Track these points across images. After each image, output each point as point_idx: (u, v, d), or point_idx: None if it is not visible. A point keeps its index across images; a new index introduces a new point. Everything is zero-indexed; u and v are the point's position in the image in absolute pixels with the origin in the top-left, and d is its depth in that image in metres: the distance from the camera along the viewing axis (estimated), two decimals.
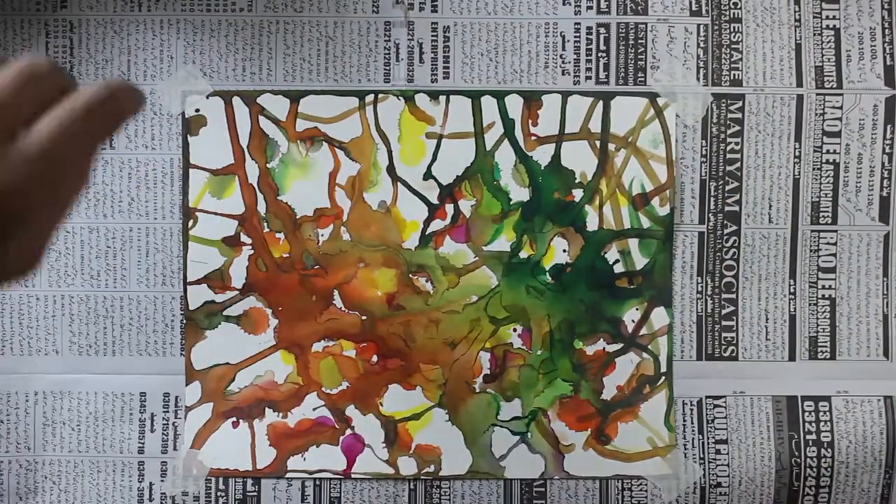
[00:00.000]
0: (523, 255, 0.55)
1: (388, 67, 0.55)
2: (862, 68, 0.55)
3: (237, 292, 0.55)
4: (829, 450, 0.55)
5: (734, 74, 0.55)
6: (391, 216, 0.55)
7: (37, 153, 0.24)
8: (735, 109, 0.55)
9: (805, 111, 0.55)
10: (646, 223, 0.55)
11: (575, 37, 0.55)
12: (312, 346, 0.55)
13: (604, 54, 0.55)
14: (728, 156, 0.55)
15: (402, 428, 0.55)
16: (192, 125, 0.55)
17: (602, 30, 0.55)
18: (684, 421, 0.55)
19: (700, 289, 0.55)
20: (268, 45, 0.55)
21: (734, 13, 0.55)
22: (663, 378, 0.55)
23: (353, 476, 0.55)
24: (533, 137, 0.55)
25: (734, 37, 0.55)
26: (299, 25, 0.55)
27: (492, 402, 0.55)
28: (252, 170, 0.55)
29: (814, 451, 0.55)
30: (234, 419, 0.55)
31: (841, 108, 0.55)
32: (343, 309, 0.55)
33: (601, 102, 0.55)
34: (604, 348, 0.55)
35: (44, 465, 0.55)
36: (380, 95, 0.55)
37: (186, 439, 0.55)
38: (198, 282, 0.55)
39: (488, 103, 0.55)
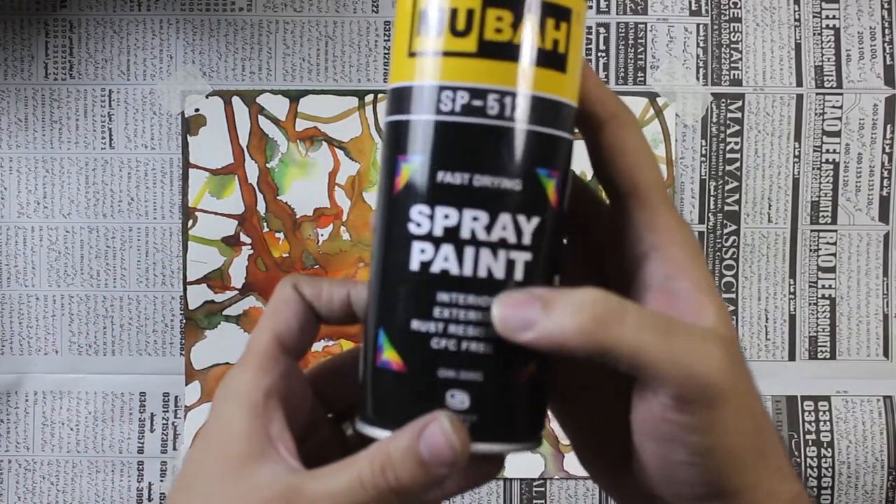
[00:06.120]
0: None
1: (387, 67, 0.55)
2: (862, 68, 0.55)
3: (237, 292, 0.55)
4: (829, 450, 0.55)
5: (734, 74, 0.55)
6: None
7: None
8: (735, 109, 0.55)
9: (805, 111, 0.55)
10: None
11: None
12: (312, 346, 0.55)
13: (603, 54, 0.55)
14: (728, 155, 0.55)
15: None
16: (191, 125, 0.55)
17: (602, 29, 0.55)
18: None
19: None
20: (267, 45, 0.55)
21: (734, 13, 0.55)
22: None
23: None
24: None
25: (734, 36, 0.55)
26: (299, 25, 0.55)
27: None
28: (252, 169, 0.55)
29: (814, 451, 0.55)
30: None
31: (841, 107, 0.55)
32: None
33: None
34: None
35: (42, 465, 0.55)
36: (379, 95, 0.55)
37: (186, 439, 0.55)
38: (197, 281, 0.55)
39: None
